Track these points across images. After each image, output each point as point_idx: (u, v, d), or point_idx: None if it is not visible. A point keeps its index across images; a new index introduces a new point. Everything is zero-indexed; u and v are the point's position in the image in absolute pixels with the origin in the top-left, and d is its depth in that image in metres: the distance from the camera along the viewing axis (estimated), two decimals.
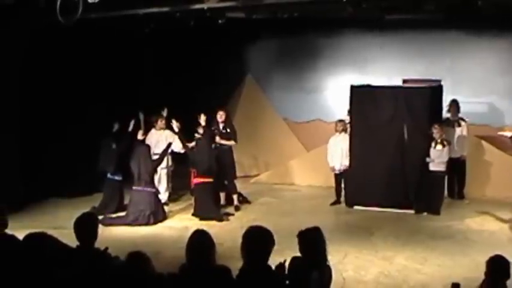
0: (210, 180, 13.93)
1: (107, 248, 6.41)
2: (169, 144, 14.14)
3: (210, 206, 13.73)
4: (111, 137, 14.40)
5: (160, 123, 14.72)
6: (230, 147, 14.62)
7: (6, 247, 6.70)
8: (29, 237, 6.27)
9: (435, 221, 13.46)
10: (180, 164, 15.20)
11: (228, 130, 14.63)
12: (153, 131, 14.74)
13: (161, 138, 14.63)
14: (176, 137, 14.20)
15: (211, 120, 14.58)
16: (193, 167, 14.27)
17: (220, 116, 14.59)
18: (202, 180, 13.85)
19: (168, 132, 14.60)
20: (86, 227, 6.54)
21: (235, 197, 14.65)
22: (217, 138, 14.42)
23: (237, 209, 14.45)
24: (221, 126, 14.58)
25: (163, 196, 14.67)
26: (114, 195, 14.36)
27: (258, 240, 5.80)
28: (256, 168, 18.16)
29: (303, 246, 6.30)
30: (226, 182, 14.71)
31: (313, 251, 6.30)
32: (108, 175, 14.34)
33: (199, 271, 5.72)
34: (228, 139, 14.57)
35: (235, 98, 18.73)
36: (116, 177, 14.31)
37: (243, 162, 17.02)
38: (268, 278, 5.73)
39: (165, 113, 14.91)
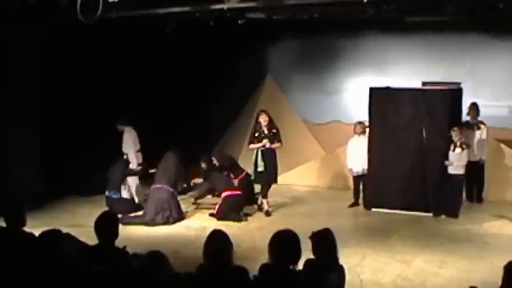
0: (239, 192, 14.03)
1: (125, 247, 6.45)
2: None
3: (231, 211, 13.72)
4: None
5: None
6: (274, 149, 14.23)
7: (23, 244, 6.74)
8: (43, 235, 6.31)
9: (453, 224, 13.40)
10: None
11: (274, 131, 14.21)
12: None
13: None
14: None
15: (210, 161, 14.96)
16: (215, 192, 14.43)
17: (264, 119, 14.11)
18: (230, 192, 13.91)
19: None
20: (106, 225, 6.57)
21: (265, 201, 14.36)
22: (267, 144, 14.02)
23: (267, 214, 14.18)
24: (265, 129, 14.13)
25: None
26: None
27: (287, 245, 5.85)
28: None
29: (316, 248, 6.34)
30: (256, 196, 14.82)
31: (326, 252, 6.35)
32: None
33: (217, 271, 5.73)
34: (274, 141, 14.15)
35: (255, 98, 18.74)
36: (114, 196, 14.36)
37: None
38: (286, 280, 5.75)
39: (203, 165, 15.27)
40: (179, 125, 17.65)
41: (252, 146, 14.23)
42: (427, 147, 14.11)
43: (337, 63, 17.97)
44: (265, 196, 14.34)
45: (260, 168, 14.08)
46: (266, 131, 14.13)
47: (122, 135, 15.07)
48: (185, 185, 15.18)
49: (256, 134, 14.16)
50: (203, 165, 15.20)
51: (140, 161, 15.27)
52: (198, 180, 14.93)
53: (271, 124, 14.24)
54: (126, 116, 15.14)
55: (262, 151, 14.07)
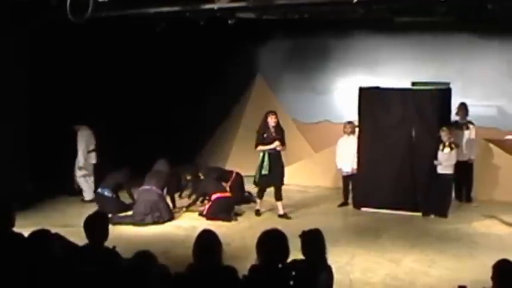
0: (229, 195, 14.03)
1: (114, 247, 6.44)
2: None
3: (221, 212, 13.67)
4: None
5: None
6: (279, 152, 13.86)
7: (11, 245, 6.72)
8: (32, 235, 6.29)
9: (443, 223, 13.44)
10: None
11: (281, 133, 13.81)
12: None
13: None
14: None
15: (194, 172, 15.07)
16: (206, 196, 14.36)
17: (274, 121, 13.68)
18: (220, 195, 13.85)
19: None
20: (96, 226, 6.56)
21: (259, 201, 14.21)
22: (279, 147, 13.67)
23: (257, 213, 14.07)
24: (273, 130, 13.70)
25: None
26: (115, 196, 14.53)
27: (274, 245, 5.86)
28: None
29: (305, 247, 6.35)
30: (246, 194, 14.91)
31: (316, 252, 6.35)
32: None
33: (206, 271, 5.73)
34: (281, 144, 13.78)
35: (245, 98, 18.76)
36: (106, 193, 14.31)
37: (251, 162, 16.99)
38: (275, 279, 5.76)
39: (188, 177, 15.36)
40: (170, 125, 17.64)
41: (260, 147, 13.78)
42: (416, 147, 14.13)
43: (327, 63, 18.01)
44: (260, 197, 14.18)
45: (264, 171, 13.75)
46: (274, 133, 13.72)
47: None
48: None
49: (265, 135, 13.73)
50: (189, 177, 15.19)
51: (93, 161, 15.30)
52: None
53: (279, 126, 13.84)
54: (83, 115, 15.14)
55: (269, 154, 13.73)
